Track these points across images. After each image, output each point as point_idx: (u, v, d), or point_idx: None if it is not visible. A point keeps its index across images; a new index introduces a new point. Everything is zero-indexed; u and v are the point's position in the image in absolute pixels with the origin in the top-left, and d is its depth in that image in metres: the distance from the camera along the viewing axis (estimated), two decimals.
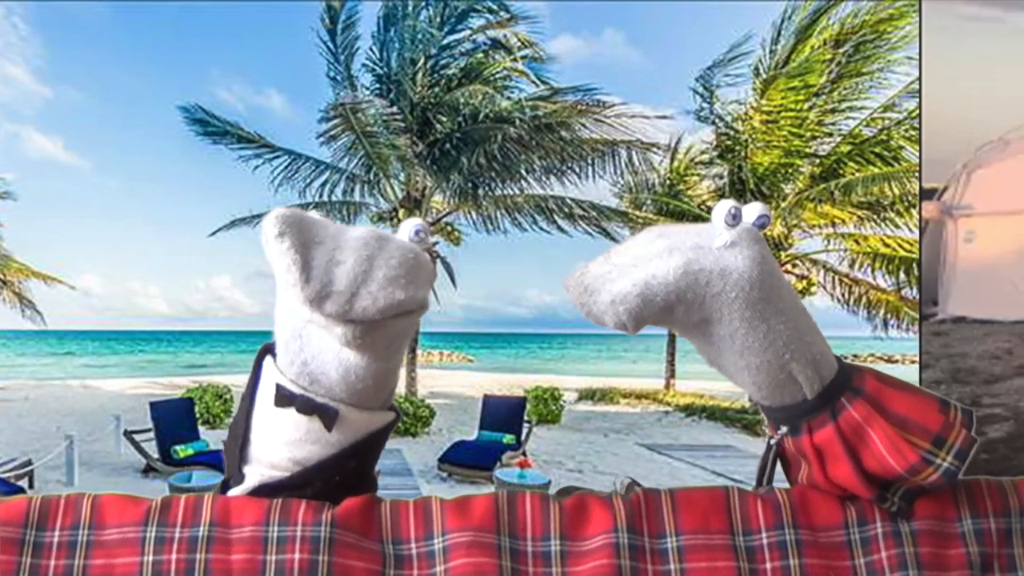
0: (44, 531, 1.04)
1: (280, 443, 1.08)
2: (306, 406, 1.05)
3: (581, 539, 1.06)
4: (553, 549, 1.05)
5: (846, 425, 1.03)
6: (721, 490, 1.10)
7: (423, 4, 16.12)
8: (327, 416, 1.05)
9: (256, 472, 1.10)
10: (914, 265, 13.90)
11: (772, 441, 1.12)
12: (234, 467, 1.11)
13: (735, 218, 0.98)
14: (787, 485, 1.15)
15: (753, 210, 1.00)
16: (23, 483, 8.82)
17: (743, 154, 16.08)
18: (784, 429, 1.09)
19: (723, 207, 0.98)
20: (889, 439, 1.01)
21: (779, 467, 1.16)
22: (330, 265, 0.97)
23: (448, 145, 15.74)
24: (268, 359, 1.09)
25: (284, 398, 1.05)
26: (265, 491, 1.09)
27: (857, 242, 15.93)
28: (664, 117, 15.95)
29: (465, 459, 10.53)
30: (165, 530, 1.03)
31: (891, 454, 1.01)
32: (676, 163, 18.56)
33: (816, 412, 1.05)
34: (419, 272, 1.01)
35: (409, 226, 1.05)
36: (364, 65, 16.93)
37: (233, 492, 1.10)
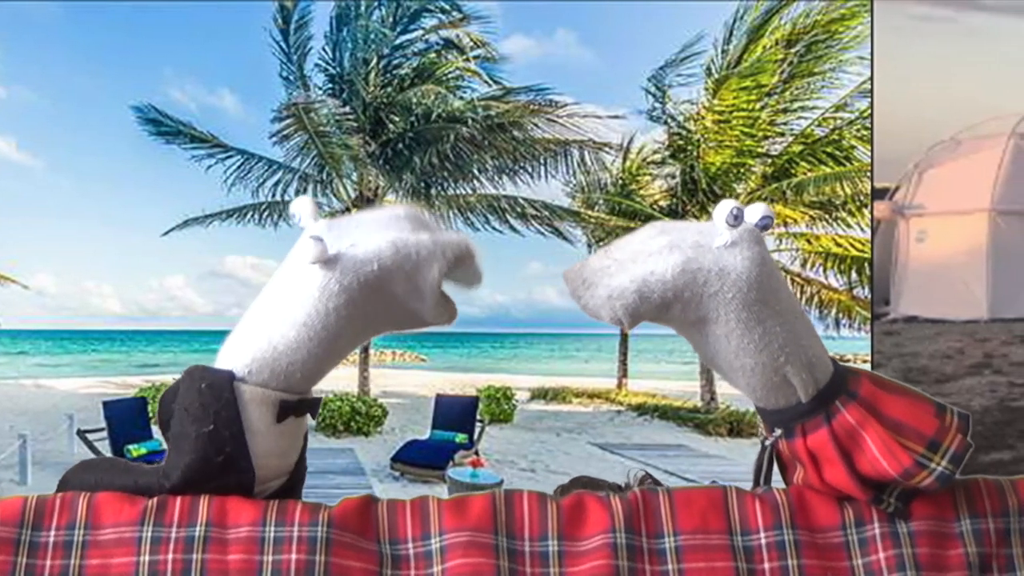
0: (40, 531, 1.02)
1: (280, 454, 1.08)
2: (304, 405, 1.06)
3: (579, 539, 1.05)
4: (551, 549, 1.04)
5: (840, 428, 1.03)
6: (719, 490, 1.09)
7: (376, 4, 16.14)
8: (317, 406, 1.09)
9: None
10: (866, 265, 14.17)
11: (767, 443, 1.12)
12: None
13: (736, 218, 0.97)
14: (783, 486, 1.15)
15: (756, 211, 0.99)
16: None
17: (695, 154, 16.18)
18: (778, 431, 1.09)
19: (725, 206, 0.97)
20: (883, 443, 1.00)
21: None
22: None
23: (401, 145, 15.77)
24: (237, 386, 1.05)
25: (287, 408, 1.04)
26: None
27: (809, 241, 16.13)
28: (616, 117, 16.16)
29: (418, 458, 10.66)
30: (161, 530, 1.01)
31: (885, 458, 1.00)
32: (628, 163, 18.63)
33: (810, 415, 1.04)
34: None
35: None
36: (317, 65, 16.93)
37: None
